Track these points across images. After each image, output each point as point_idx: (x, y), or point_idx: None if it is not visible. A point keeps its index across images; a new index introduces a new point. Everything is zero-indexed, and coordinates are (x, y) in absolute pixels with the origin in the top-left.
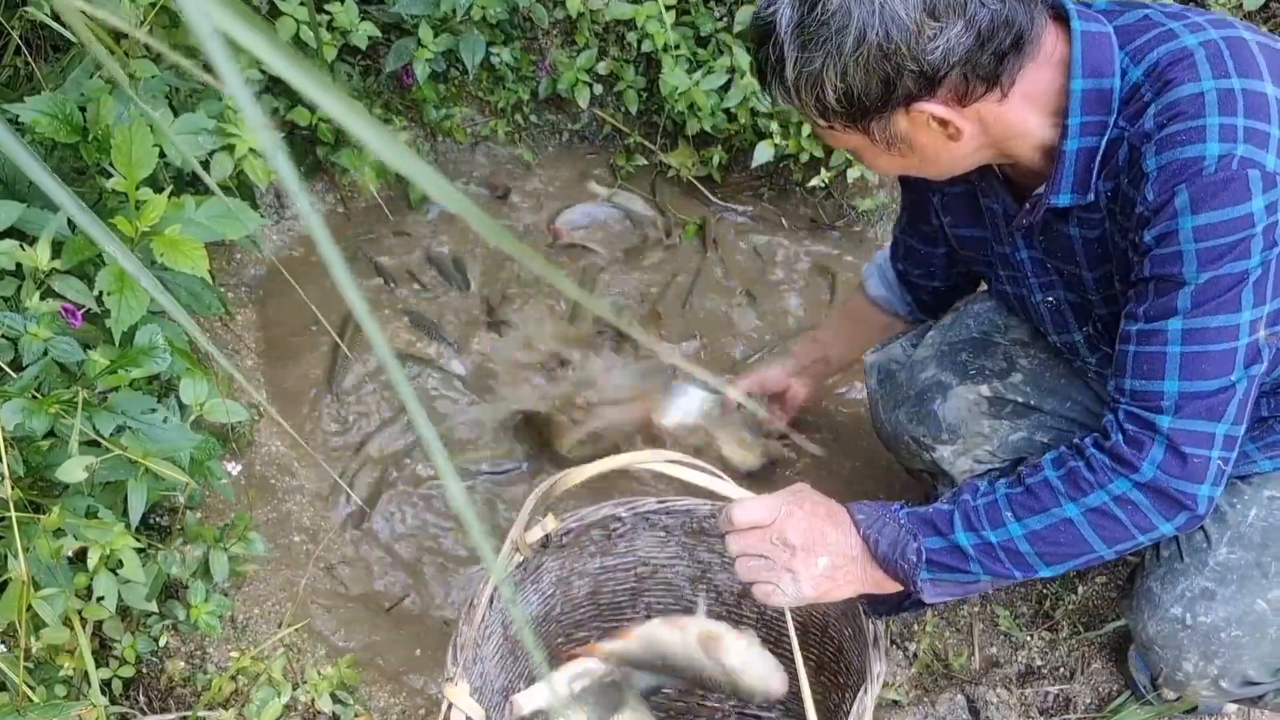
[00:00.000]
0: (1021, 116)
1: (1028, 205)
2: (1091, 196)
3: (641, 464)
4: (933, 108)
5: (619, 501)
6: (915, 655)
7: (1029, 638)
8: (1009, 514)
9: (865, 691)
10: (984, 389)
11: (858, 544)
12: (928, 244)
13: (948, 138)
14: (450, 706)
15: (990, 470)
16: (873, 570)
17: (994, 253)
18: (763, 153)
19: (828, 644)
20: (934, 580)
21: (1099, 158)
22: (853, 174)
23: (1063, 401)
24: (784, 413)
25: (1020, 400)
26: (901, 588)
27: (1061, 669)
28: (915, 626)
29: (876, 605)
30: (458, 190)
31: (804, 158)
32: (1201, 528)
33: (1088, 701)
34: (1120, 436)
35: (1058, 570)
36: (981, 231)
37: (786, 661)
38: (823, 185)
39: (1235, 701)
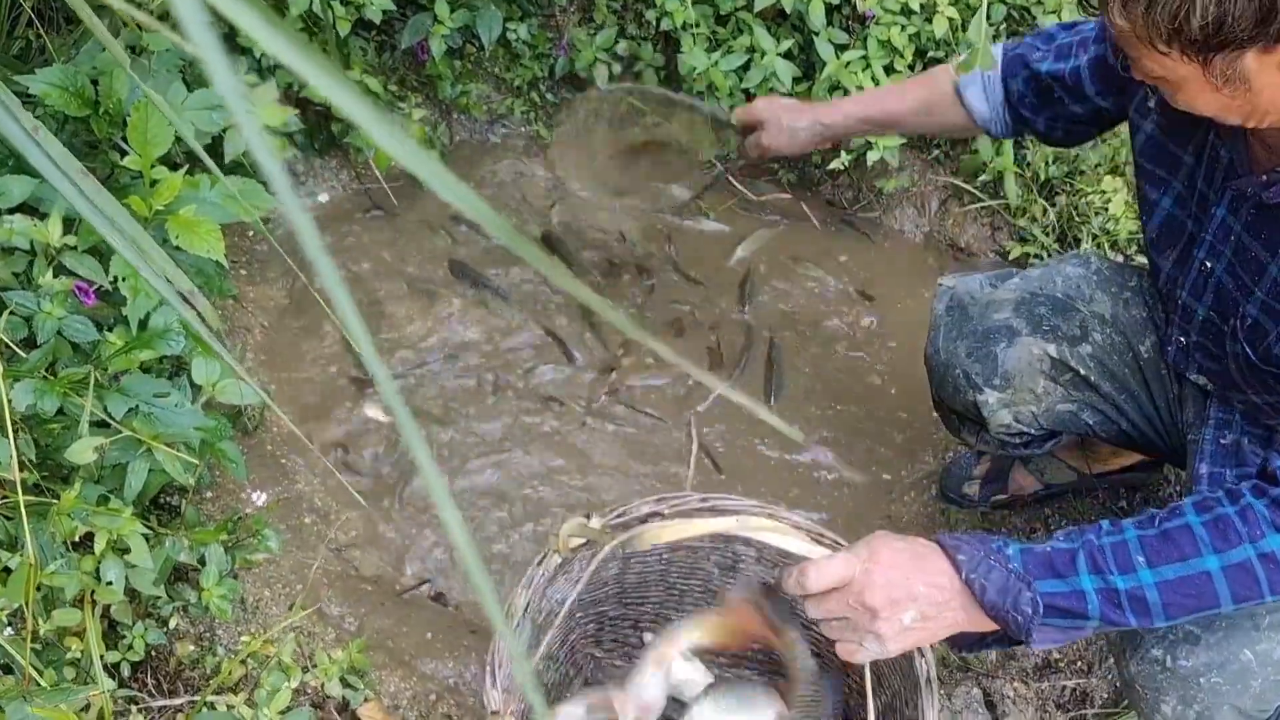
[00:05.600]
0: None
1: (1264, 177)
2: None
3: (722, 530)
4: None
5: (661, 497)
6: (932, 647)
7: None
8: (1140, 558)
9: None
10: (1051, 348)
11: (955, 587)
12: (1077, 102)
13: None
14: None
15: (1023, 434)
16: (974, 613)
17: (1189, 184)
18: None
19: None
20: (1044, 626)
21: None
22: (872, 156)
23: (1119, 390)
24: (760, 150)
25: (1082, 372)
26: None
27: (1079, 663)
28: None
29: (958, 643)
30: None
31: None
32: None
33: (1105, 696)
34: None
35: (1173, 623)
36: (1183, 154)
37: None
38: (843, 168)
39: None
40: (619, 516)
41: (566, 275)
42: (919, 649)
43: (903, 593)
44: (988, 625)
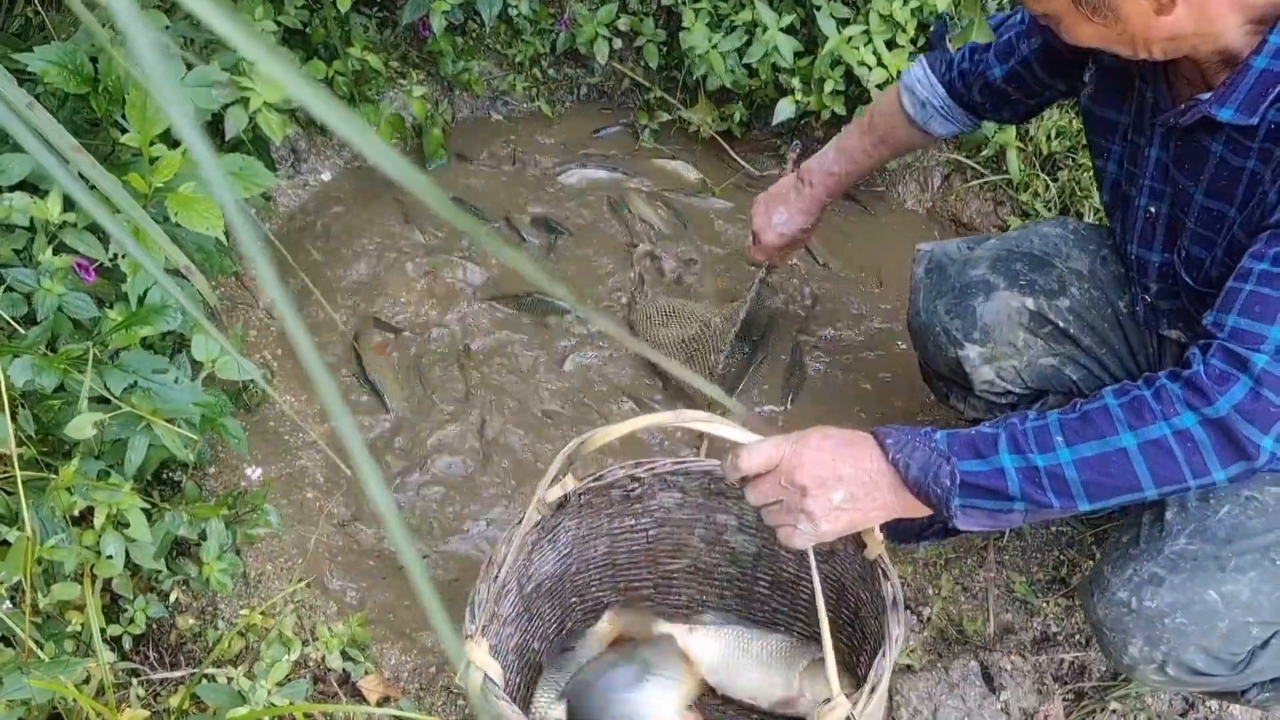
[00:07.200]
0: (1222, 11)
1: (1182, 106)
2: (1255, 120)
3: (662, 424)
4: None
5: (638, 462)
6: (929, 620)
7: (1045, 604)
8: (1060, 438)
9: (883, 655)
10: (1029, 301)
11: (882, 469)
12: (1032, 97)
13: (1156, 10)
14: (469, 664)
15: (1009, 394)
16: (903, 495)
17: (1125, 140)
18: (784, 110)
19: (844, 606)
20: (967, 506)
21: None
22: None
23: (1100, 344)
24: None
25: (1061, 325)
26: (932, 512)
27: (1077, 636)
28: (930, 591)
29: (897, 534)
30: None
31: (825, 115)
32: (1164, 518)
33: (1103, 669)
34: (1203, 368)
35: (1097, 506)
36: (1118, 115)
37: (802, 618)
38: None
39: (1213, 697)
40: (595, 480)
41: (538, 273)
42: (882, 572)
43: (829, 472)
44: (917, 507)
